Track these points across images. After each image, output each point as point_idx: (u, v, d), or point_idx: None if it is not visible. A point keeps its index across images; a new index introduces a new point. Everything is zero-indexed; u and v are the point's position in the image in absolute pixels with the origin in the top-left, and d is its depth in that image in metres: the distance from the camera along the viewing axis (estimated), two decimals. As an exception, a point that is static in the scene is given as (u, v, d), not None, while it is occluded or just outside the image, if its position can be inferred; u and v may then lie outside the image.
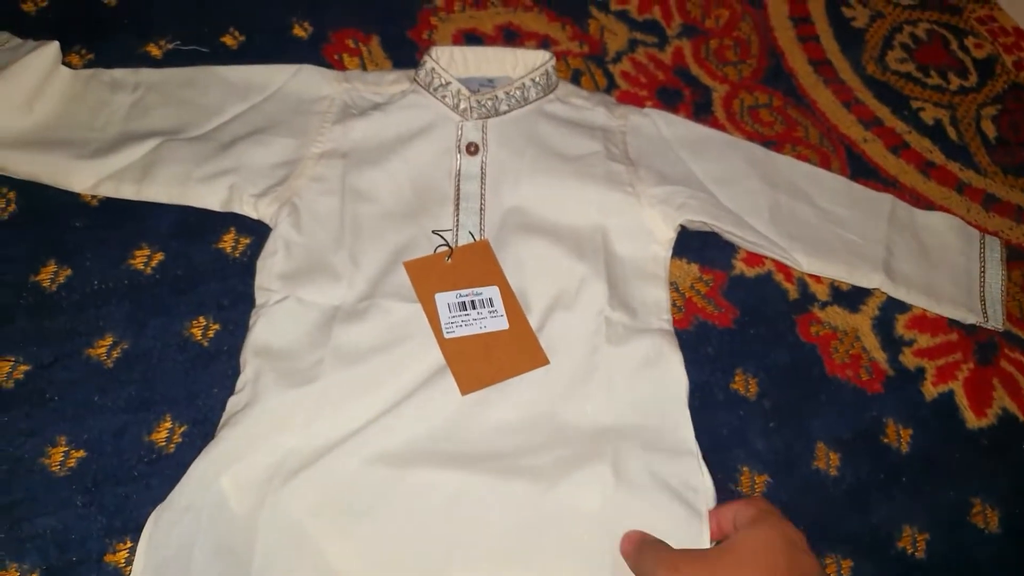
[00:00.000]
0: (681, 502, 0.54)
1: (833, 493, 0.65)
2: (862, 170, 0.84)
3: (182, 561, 0.50)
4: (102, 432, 0.57)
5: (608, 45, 0.88)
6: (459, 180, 0.67)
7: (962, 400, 0.71)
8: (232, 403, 0.56)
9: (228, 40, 0.78)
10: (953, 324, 0.74)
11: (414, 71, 0.71)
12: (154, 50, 0.75)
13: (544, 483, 0.54)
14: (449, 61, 0.71)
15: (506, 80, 0.72)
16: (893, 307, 0.74)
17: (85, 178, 0.64)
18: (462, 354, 0.59)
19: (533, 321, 0.61)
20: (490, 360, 0.59)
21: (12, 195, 0.65)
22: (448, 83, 0.69)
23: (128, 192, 0.65)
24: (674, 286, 0.70)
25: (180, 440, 0.58)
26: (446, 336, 0.59)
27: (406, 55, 0.81)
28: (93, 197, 0.66)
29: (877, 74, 0.93)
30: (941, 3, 1.03)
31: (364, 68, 0.79)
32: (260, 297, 0.61)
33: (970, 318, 0.72)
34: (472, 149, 0.68)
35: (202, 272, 0.65)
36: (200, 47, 0.76)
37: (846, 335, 0.72)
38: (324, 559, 0.51)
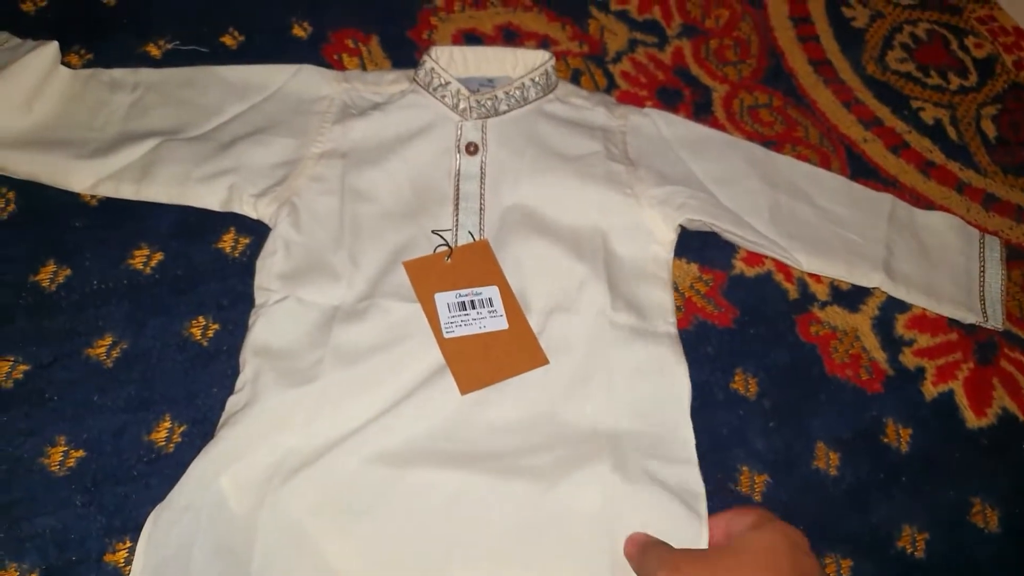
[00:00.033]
0: (680, 502, 0.54)
1: (833, 493, 0.65)
2: (862, 170, 0.84)
3: (181, 561, 0.50)
4: (101, 432, 0.57)
5: (608, 45, 0.88)
6: (459, 180, 0.67)
7: (962, 400, 0.71)
8: (231, 403, 0.56)
9: (228, 40, 0.78)
10: (953, 324, 0.74)
11: (414, 71, 0.71)
12: (153, 50, 0.75)
13: (544, 483, 0.54)
14: (449, 61, 0.71)
15: (506, 80, 0.72)
16: (893, 307, 0.74)
17: (84, 178, 0.64)
18: (461, 354, 0.59)
19: (533, 321, 0.61)
20: (489, 360, 0.59)
21: (12, 195, 0.65)
22: (448, 83, 0.69)
23: (127, 192, 0.65)
24: (674, 286, 0.70)
25: (179, 440, 0.58)
26: (446, 336, 0.59)
27: (406, 55, 0.81)
28: (92, 197, 0.66)
29: (877, 74, 0.93)
30: (941, 3, 1.03)
31: (364, 68, 0.79)
32: (260, 297, 0.61)
33: (970, 318, 0.72)
34: (472, 149, 0.68)
35: (202, 272, 0.65)
36: (199, 47, 0.76)
37: (846, 335, 0.72)
38: (324, 558, 0.51)
